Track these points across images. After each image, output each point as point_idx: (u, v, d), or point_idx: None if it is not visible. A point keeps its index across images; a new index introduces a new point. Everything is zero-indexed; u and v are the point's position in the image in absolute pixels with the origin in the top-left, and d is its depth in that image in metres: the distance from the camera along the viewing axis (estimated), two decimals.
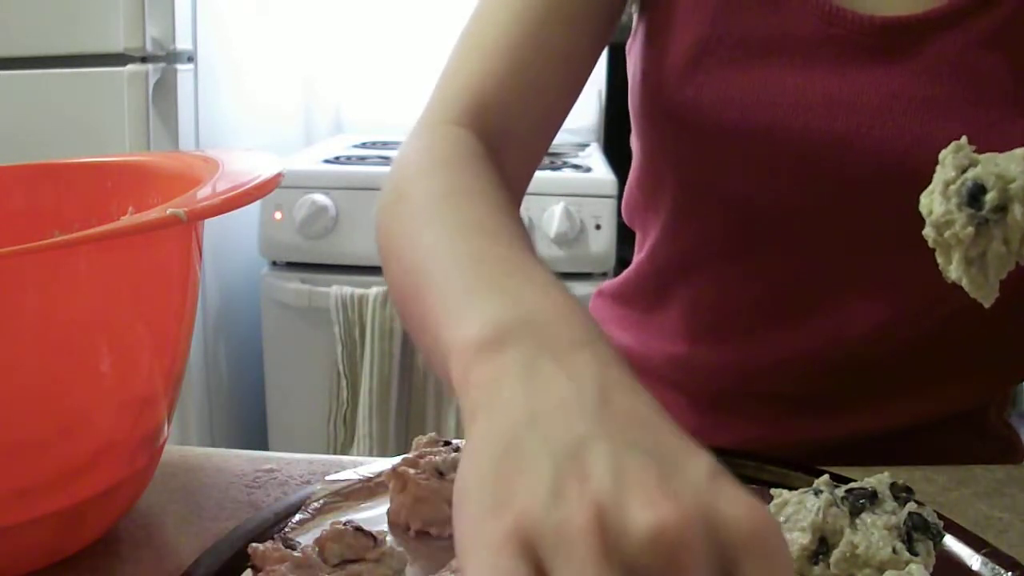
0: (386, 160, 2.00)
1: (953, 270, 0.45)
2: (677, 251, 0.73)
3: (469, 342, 0.36)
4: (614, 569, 0.26)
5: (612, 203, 1.77)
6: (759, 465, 0.57)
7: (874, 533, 0.45)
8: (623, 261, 1.20)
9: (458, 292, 0.41)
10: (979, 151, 0.45)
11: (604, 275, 1.79)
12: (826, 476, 0.49)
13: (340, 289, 1.84)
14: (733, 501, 0.28)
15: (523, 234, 0.48)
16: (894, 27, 0.62)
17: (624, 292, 0.81)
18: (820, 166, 0.64)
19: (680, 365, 0.74)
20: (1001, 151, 0.45)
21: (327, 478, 0.55)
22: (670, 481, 0.28)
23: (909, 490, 0.47)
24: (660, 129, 0.69)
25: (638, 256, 0.78)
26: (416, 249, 0.47)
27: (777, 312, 0.69)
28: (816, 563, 0.45)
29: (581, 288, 1.75)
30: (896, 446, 0.70)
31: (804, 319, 0.68)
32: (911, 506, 0.46)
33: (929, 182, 0.47)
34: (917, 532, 0.45)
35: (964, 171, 0.45)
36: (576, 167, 1.93)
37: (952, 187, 0.45)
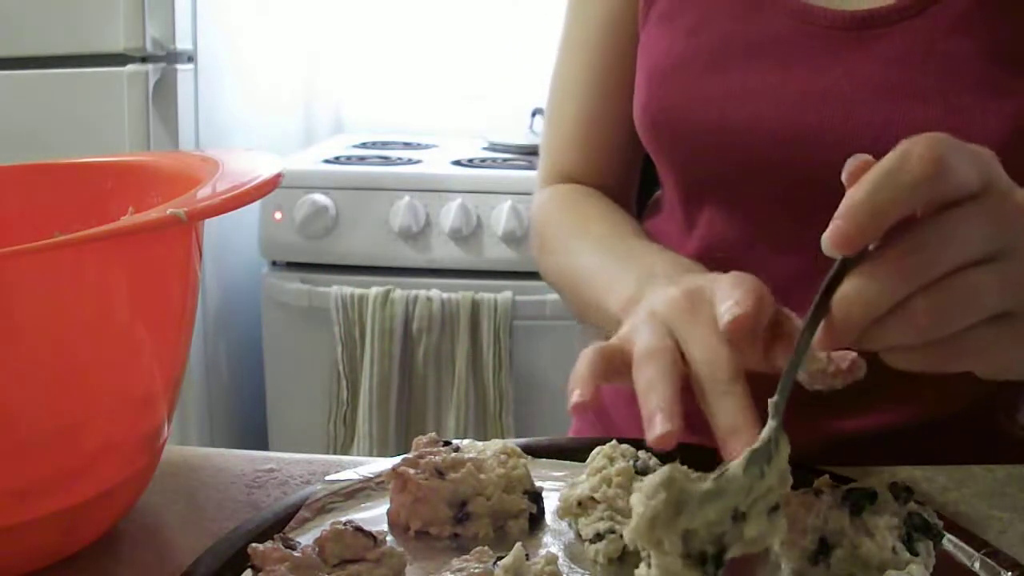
0: (386, 160, 2.00)
1: None
2: (690, 252, 0.75)
3: (623, 301, 0.59)
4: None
5: None
6: None
7: (874, 533, 0.45)
8: None
9: (607, 275, 0.65)
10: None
11: None
12: (826, 476, 0.49)
13: (340, 289, 1.84)
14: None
15: (634, 225, 0.75)
16: (864, 19, 0.66)
17: None
18: (798, 159, 0.66)
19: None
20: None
21: (327, 478, 0.55)
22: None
23: (909, 490, 0.47)
24: (654, 135, 0.74)
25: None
26: (569, 255, 0.74)
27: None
28: (816, 563, 0.45)
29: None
30: (908, 444, 0.70)
31: (802, 313, 0.68)
32: (911, 506, 0.46)
33: None
34: (917, 532, 0.45)
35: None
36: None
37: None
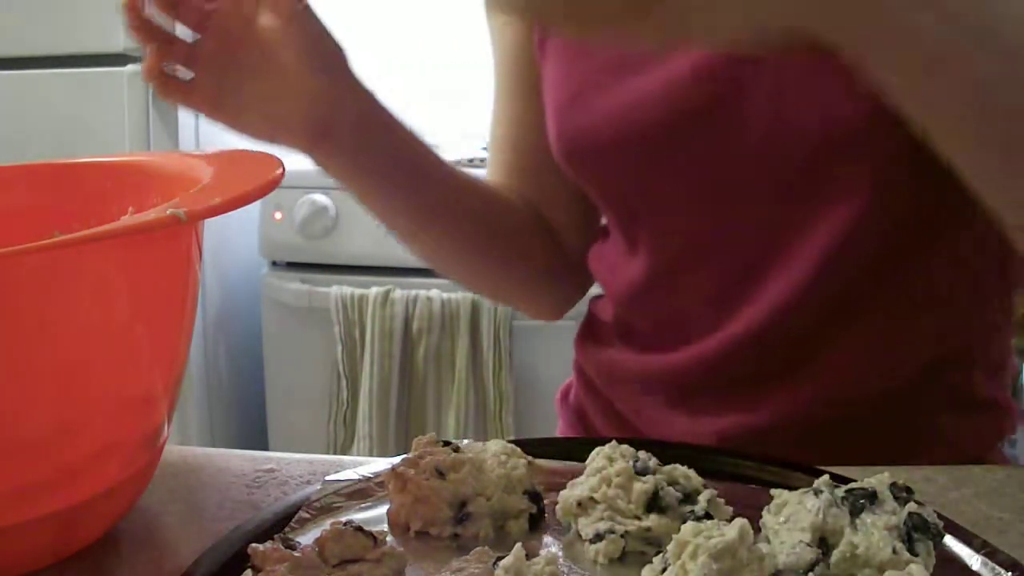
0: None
1: None
2: (636, 276, 0.77)
3: None
4: None
5: None
6: (759, 465, 0.57)
7: (874, 533, 0.45)
8: None
9: None
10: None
11: None
12: (826, 476, 0.49)
13: (340, 289, 1.84)
14: None
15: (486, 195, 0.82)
16: None
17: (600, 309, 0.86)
18: (700, 152, 0.67)
19: (650, 369, 0.76)
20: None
21: (327, 478, 0.55)
22: None
23: (909, 490, 0.47)
24: (570, 164, 0.75)
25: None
26: None
27: (717, 299, 0.71)
28: (816, 563, 0.45)
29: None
30: (878, 421, 0.71)
31: (739, 304, 0.70)
32: (911, 506, 0.46)
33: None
34: (917, 532, 0.45)
35: None
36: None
37: None
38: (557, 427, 0.89)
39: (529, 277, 0.87)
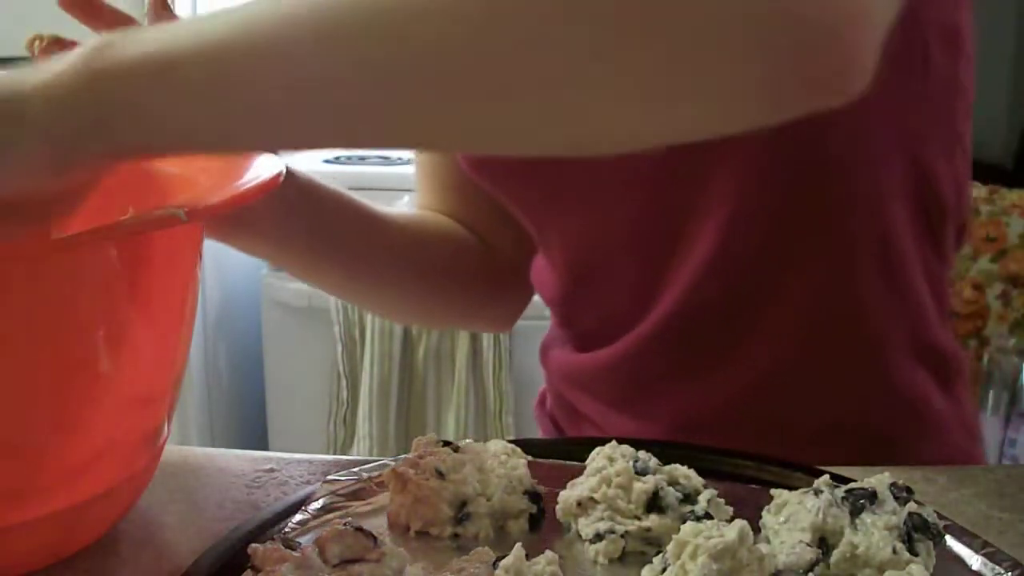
0: (386, 160, 2.00)
1: None
2: (558, 282, 0.77)
3: None
4: None
5: None
6: (759, 465, 0.57)
7: (874, 533, 0.45)
8: None
9: None
10: None
11: None
12: (826, 476, 0.49)
13: None
14: None
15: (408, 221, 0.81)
16: None
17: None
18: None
19: (588, 369, 0.77)
20: None
21: (327, 478, 0.55)
22: None
23: (909, 490, 0.47)
24: (479, 177, 0.75)
25: None
26: None
27: (635, 293, 0.71)
28: (816, 563, 0.45)
29: None
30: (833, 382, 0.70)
31: (656, 294, 0.70)
32: (911, 506, 0.46)
33: None
34: (917, 532, 0.45)
35: None
36: None
37: None
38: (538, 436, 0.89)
39: (472, 302, 0.87)
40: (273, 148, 0.50)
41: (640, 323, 0.71)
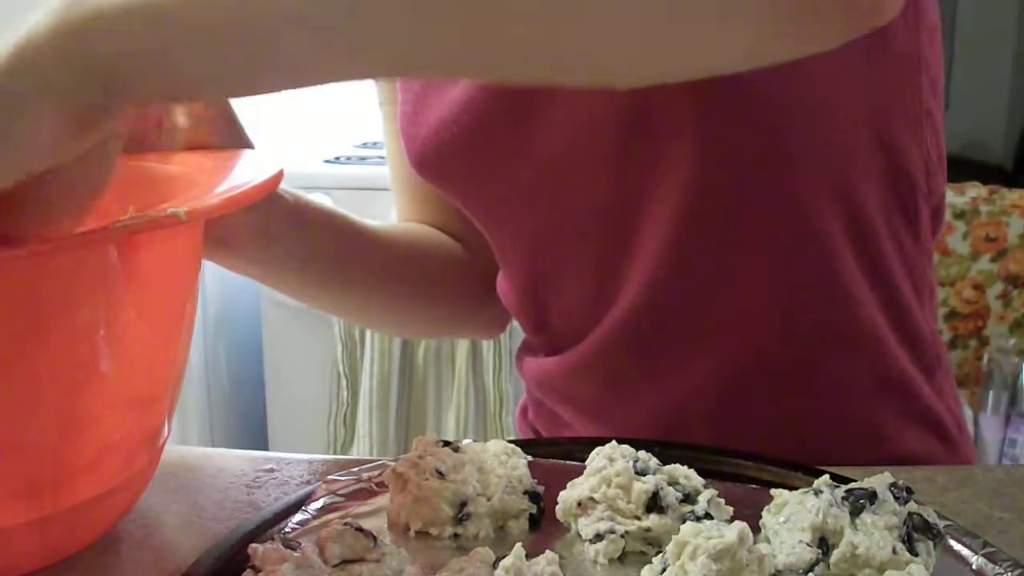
0: (386, 160, 2.00)
1: None
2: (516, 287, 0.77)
3: None
4: None
5: None
6: (759, 465, 0.57)
7: (874, 533, 0.45)
8: None
9: None
10: None
11: None
12: (826, 476, 0.49)
13: None
14: None
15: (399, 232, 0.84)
16: None
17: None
18: (510, 152, 0.67)
19: (559, 378, 0.76)
20: None
21: (327, 478, 0.55)
22: None
23: (909, 490, 0.47)
24: (434, 182, 0.75)
25: None
26: None
27: (592, 291, 0.70)
28: (816, 563, 0.45)
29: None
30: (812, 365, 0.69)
31: (614, 289, 0.69)
32: (911, 506, 0.46)
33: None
34: (917, 532, 0.45)
35: None
36: None
37: None
38: None
39: (463, 309, 0.87)
40: (280, 82, 0.47)
41: (605, 318, 0.69)
